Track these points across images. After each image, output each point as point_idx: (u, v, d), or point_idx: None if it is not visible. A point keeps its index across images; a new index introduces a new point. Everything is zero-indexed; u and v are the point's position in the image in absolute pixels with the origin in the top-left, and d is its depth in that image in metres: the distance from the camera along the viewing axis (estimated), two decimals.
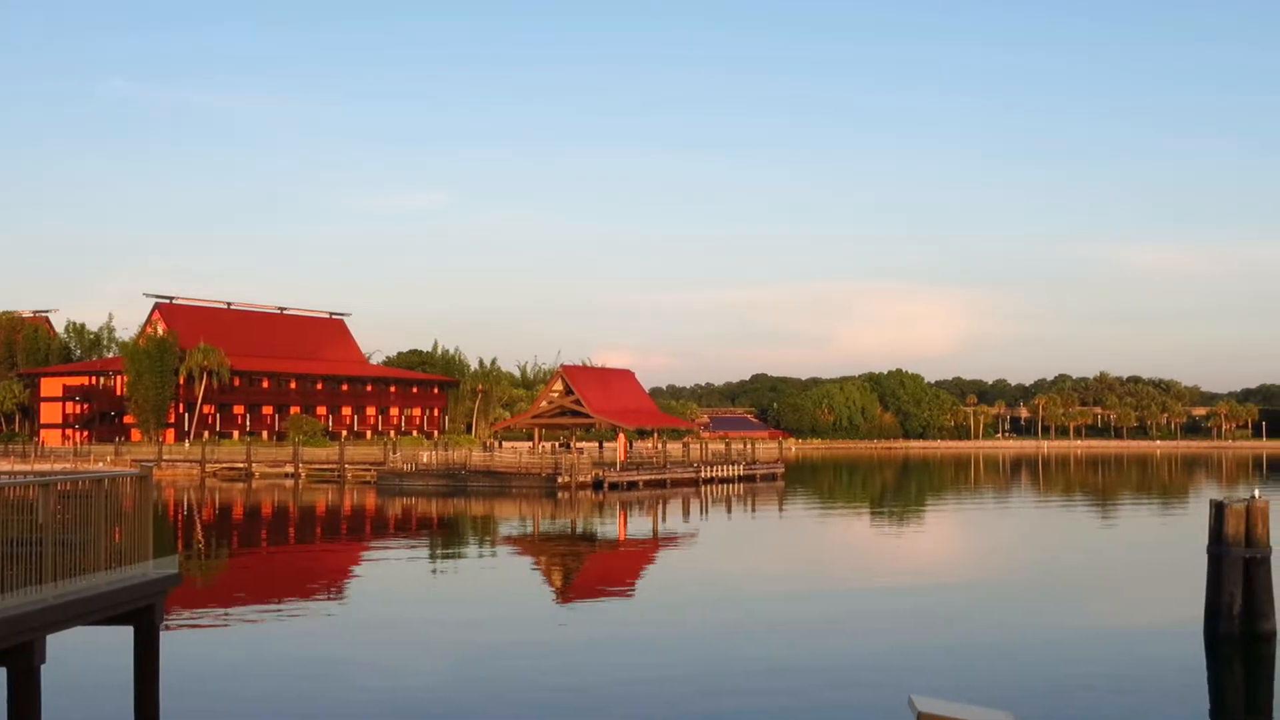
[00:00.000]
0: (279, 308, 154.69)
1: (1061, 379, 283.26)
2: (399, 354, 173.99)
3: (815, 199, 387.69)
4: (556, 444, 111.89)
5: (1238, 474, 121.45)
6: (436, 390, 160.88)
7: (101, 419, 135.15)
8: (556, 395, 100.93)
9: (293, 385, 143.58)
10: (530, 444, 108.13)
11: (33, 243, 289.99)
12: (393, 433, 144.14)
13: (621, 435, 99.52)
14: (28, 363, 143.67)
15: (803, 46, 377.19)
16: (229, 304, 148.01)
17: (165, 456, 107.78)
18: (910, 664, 23.72)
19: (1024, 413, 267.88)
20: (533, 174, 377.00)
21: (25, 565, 14.52)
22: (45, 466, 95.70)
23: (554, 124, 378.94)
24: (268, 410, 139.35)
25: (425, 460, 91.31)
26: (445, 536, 54.26)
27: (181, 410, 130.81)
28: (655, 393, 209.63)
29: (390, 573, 41.10)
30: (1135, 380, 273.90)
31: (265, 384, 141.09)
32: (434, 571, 41.80)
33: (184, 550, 46.07)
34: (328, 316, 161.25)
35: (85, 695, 20.17)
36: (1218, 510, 25.48)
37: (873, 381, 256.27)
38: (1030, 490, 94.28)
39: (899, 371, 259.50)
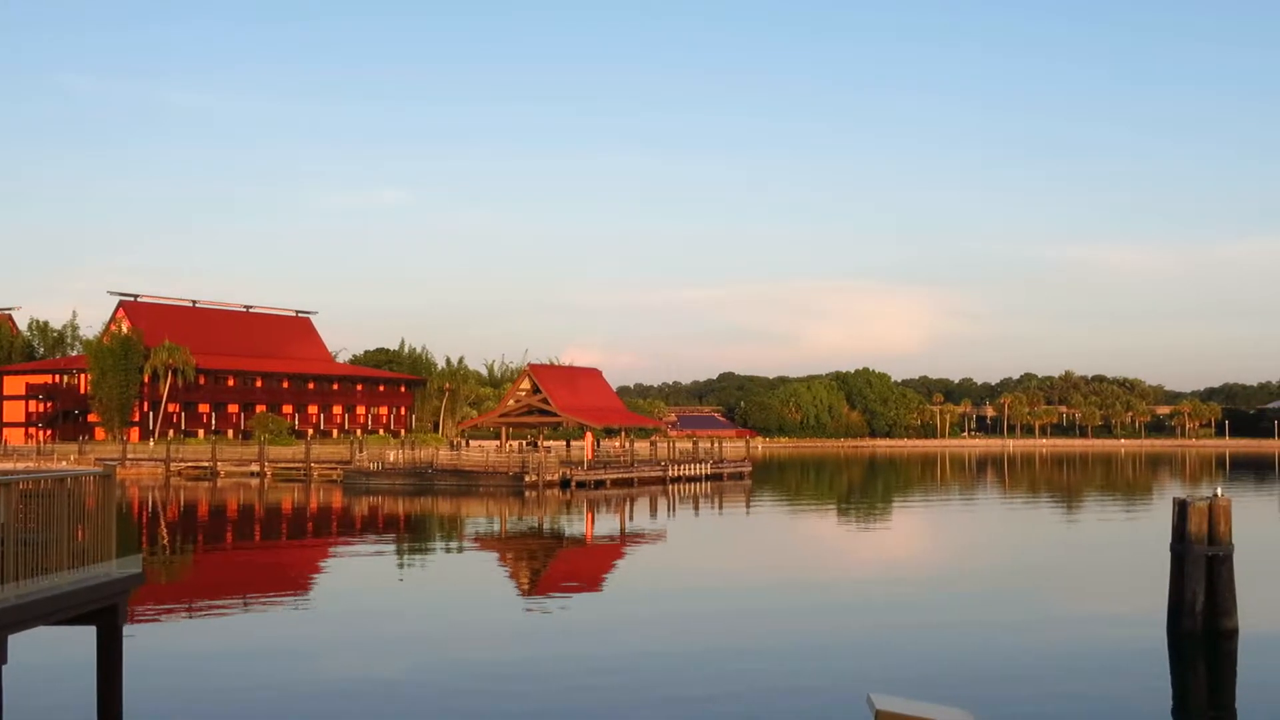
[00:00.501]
0: (245, 306, 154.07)
1: (1027, 378, 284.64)
2: (365, 352, 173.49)
3: (783, 198, 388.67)
4: (524, 443, 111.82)
5: (1201, 472, 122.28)
6: (403, 389, 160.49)
7: (65, 417, 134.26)
8: (524, 394, 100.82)
9: (258, 384, 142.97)
10: (497, 443, 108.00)
11: None
12: (359, 431, 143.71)
13: (589, 434, 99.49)
14: None
15: (773, 46, 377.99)
16: (194, 302, 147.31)
17: (130, 455, 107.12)
18: (872, 662, 23.81)
19: (990, 411, 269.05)
20: (500, 172, 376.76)
21: None
22: (8, 465, 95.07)
23: (522, 123, 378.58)
24: (233, 409, 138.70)
25: (392, 459, 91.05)
26: (412, 535, 54.12)
27: (146, 409, 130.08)
28: (623, 391, 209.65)
29: (356, 572, 40.96)
30: (1100, 379, 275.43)
31: (231, 382, 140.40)
32: (400, 570, 41.67)
33: (148, 550, 45.79)
34: (294, 315, 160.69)
35: (48, 696, 20.03)
36: (1181, 508, 25.65)
37: (840, 380, 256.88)
38: (995, 489, 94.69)
39: (866, 370, 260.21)
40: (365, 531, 55.55)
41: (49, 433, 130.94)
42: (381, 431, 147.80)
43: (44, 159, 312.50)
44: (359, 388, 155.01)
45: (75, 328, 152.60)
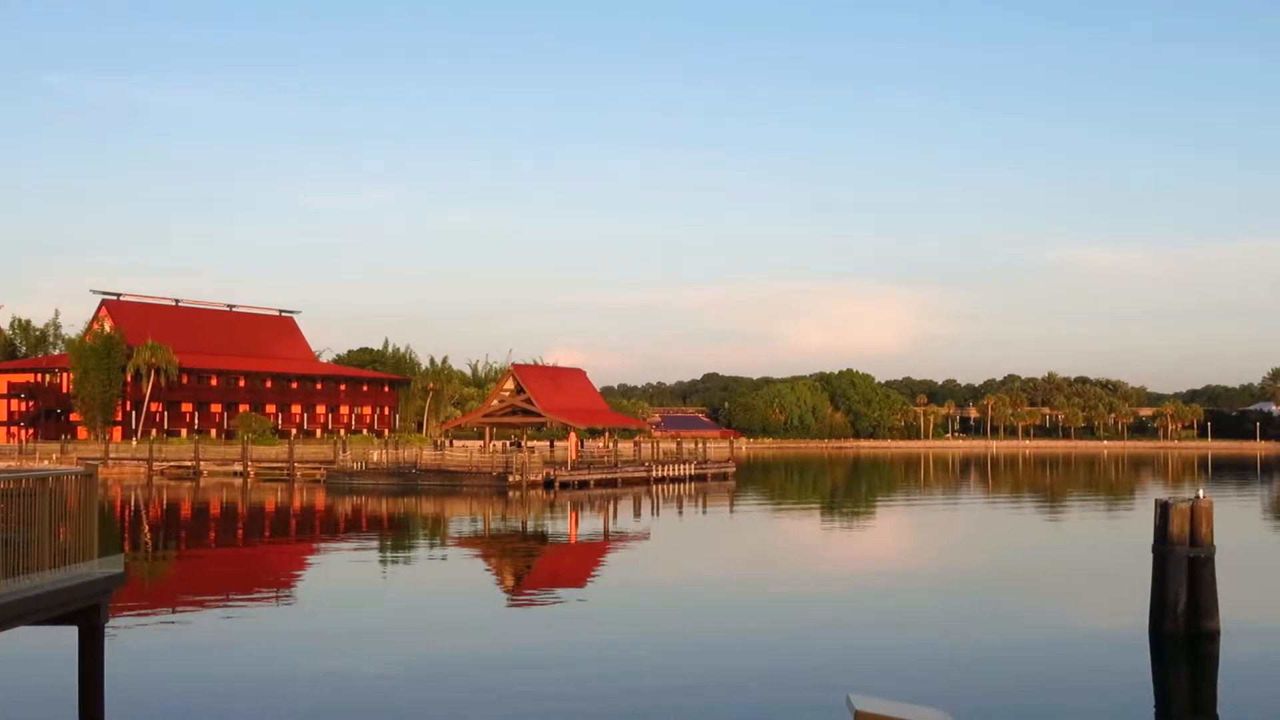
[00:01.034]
0: (228, 305, 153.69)
1: (1010, 379, 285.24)
2: (349, 352, 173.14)
3: (768, 199, 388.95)
4: (507, 443, 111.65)
5: (1184, 474, 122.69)
6: (387, 389, 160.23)
7: (47, 416, 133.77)
8: (508, 394, 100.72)
9: (242, 383, 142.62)
10: (481, 443, 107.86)
11: None
12: (343, 431, 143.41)
13: (573, 434, 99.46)
14: None
15: (757, 47, 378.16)
16: (177, 301, 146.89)
17: (112, 454, 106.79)
18: (853, 662, 23.86)
19: (973, 413, 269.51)
20: (485, 173, 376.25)
21: None
22: None
23: (507, 123, 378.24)
24: (216, 408, 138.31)
25: (375, 459, 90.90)
26: (395, 535, 54.03)
27: (129, 408, 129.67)
28: (607, 392, 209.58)
29: (340, 572, 40.89)
30: (1083, 381, 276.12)
31: (214, 382, 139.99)
32: (384, 571, 41.63)
33: (130, 549, 45.67)
34: (277, 314, 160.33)
35: (29, 696, 19.98)
36: (1163, 510, 25.74)
37: (823, 381, 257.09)
38: (979, 490, 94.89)
39: (850, 371, 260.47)
40: (348, 532, 55.46)
41: (31, 432, 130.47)
42: (365, 431, 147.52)
43: (27, 157, 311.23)
44: (342, 387, 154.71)
45: (57, 326, 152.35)
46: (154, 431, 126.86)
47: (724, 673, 22.59)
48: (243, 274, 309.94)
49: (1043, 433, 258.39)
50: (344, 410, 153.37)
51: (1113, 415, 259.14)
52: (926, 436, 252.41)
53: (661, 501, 74.71)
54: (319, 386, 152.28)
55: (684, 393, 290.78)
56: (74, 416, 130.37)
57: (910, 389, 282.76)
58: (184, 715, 19.55)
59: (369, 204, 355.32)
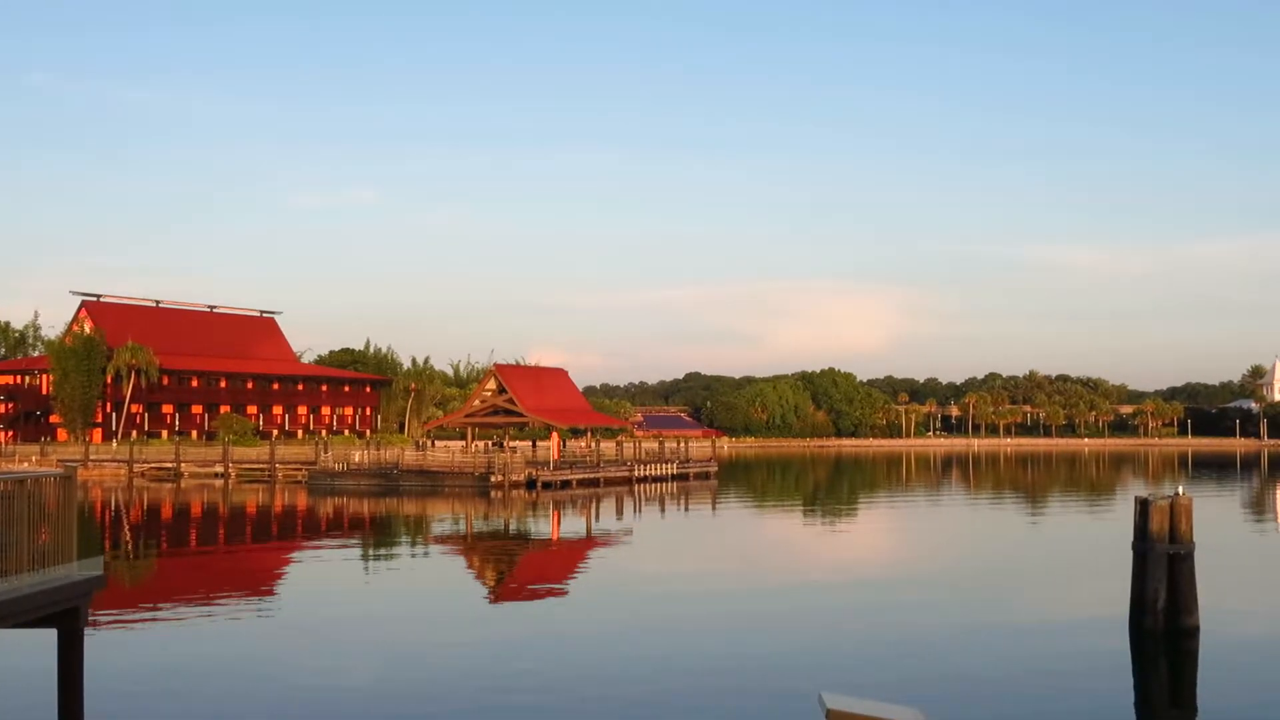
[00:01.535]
0: (209, 306, 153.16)
1: (992, 377, 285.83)
2: (331, 353, 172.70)
3: (749, 198, 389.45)
4: (490, 443, 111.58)
5: (1164, 471, 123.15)
6: (369, 389, 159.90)
7: (27, 418, 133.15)
8: (489, 394, 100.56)
9: (223, 384, 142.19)
10: (463, 443, 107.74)
11: None
12: (324, 432, 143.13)
13: (555, 434, 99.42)
14: None
15: (737, 46, 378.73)
16: (158, 302, 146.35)
17: (92, 456, 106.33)
18: (830, 661, 23.94)
19: (955, 411, 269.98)
20: (467, 173, 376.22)
21: None
22: None
23: (490, 123, 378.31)
24: (197, 409, 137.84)
25: (357, 459, 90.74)
26: (377, 536, 53.93)
27: (109, 409, 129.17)
28: (589, 391, 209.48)
29: (322, 573, 40.81)
30: (1064, 379, 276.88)
31: (194, 383, 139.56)
32: (366, 571, 41.56)
33: (110, 552, 45.53)
34: (258, 315, 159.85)
35: (8, 699, 19.91)
36: (1143, 507, 25.83)
37: (805, 380, 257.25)
38: (960, 488, 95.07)
39: (831, 370, 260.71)
40: (330, 533, 55.34)
41: (10, 434, 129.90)
42: (347, 432, 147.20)
43: (7, 158, 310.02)
44: (324, 388, 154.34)
45: (37, 328, 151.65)
46: (134, 433, 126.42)
47: (700, 672, 22.63)
48: (224, 275, 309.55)
49: (1024, 431, 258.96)
50: (325, 411, 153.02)
51: (1093, 413, 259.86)
52: (908, 435, 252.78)
53: (644, 501, 74.71)
54: (300, 387, 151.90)
55: (666, 392, 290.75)
56: (54, 418, 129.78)
57: (892, 388, 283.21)
58: (164, 718, 19.49)
59: (351, 204, 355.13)
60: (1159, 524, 25.47)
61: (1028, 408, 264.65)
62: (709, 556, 46.29)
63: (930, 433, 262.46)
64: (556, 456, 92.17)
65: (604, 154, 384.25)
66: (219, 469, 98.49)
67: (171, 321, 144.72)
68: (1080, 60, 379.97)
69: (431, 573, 40.83)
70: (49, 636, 16.97)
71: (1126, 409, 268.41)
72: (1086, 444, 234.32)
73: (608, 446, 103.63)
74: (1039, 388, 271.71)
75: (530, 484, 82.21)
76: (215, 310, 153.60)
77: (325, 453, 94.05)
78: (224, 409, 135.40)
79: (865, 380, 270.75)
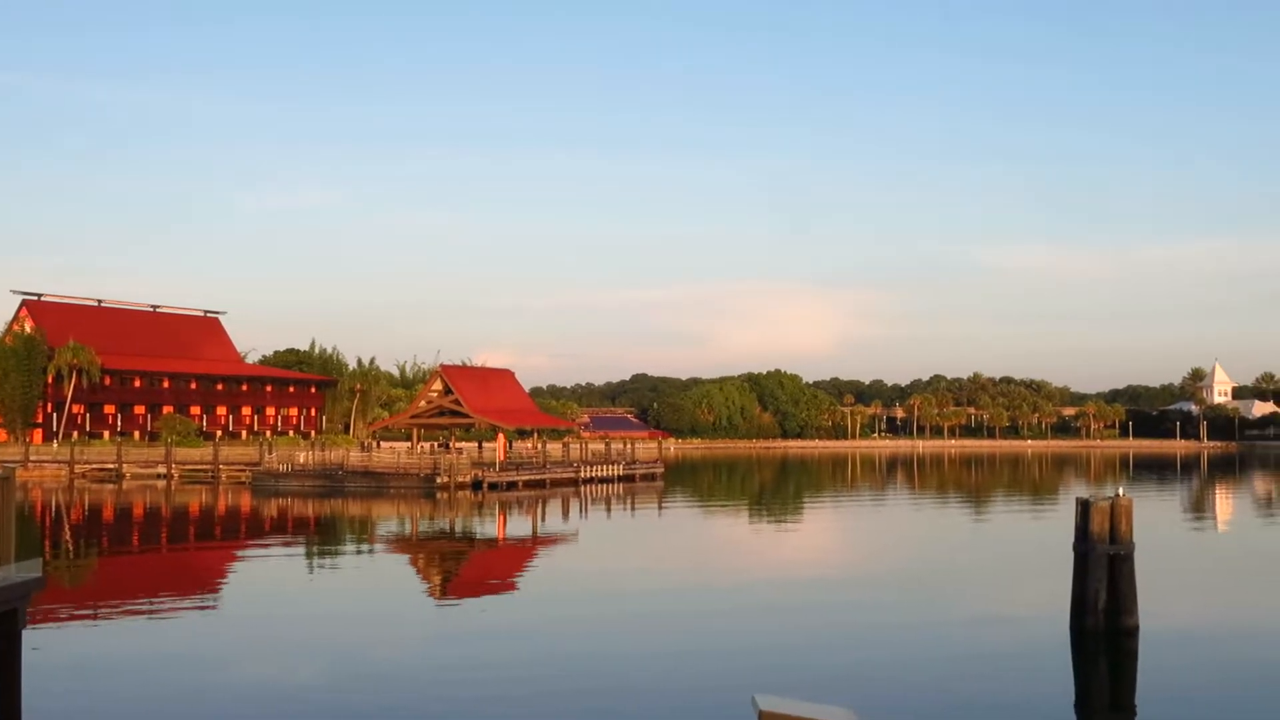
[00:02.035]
0: (152, 306, 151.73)
1: (936, 379, 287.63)
2: (275, 353, 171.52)
3: (696, 200, 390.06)
4: (435, 444, 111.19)
5: (1105, 473, 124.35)
6: (314, 390, 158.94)
7: None
8: (435, 395, 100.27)
9: (166, 384, 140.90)
10: (409, 444, 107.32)
11: None
12: (269, 433, 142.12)
13: (501, 435, 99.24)
14: None
15: (689, 46, 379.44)
16: (100, 301, 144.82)
17: (32, 457, 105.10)
18: (770, 662, 24.00)
19: (899, 413, 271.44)
20: (414, 174, 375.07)
21: None
22: None
23: (437, 125, 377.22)
24: (139, 410, 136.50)
25: (302, 460, 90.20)
26: (322, 537, 53.68)
27: (50, 410, 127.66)
28: (535, 392, 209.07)
29: (266, 574, 40.56)
30: (1008, 381, 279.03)
31: (137, 383, 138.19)
32: (310, 573, 41.36)
33: (51, 553, 45.05)
34: (202, 315, 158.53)
35: None
36: (1083, 508, 26.09)
37: (752, 382, 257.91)
38: (905, 489, 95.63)
39: (778, 372, 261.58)
40: (274, 534, 55.01)
41: None
42: (291, 433, 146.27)
43: None
44: (268, 389, 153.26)
45: None
46: (75, 434, 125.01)
47: (636, 673, 22.76)
48: (168, 274, 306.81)
49: (968, 432, 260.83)
50: (270, 412, 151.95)
51: (1036, 415, 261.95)
52: (853, 436, 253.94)
53: (590, 502, 74.69)
54: (245, 388, 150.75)
55: (612, 393, 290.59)
56: None
57: (838, 389, 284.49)
58: (104, 718, 19.34)
59: (297, 205, 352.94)
60: (1099, 525, 25.73)
61: (972, 409, 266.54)
62: (653, 557, 46.34)
63: (875, 434, 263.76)
64: (502, 458, 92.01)
65: (553, 155, 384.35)
66: (162, 470, 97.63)
67: (114, 321, 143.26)
68: (1032, 64, 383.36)
69: (376, 573, 40.65)
70: None
71: (1069, 411, 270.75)
72: (1029, 445, 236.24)
73: (554, 448, 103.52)
74: (983, 390, 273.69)
75: (476, 485, 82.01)
76: (159, 310, 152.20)
77: (269, 454, 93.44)
78: (167, 409, 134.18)
79: (811, 382, 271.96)
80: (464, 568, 42.81)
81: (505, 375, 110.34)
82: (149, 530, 58.53)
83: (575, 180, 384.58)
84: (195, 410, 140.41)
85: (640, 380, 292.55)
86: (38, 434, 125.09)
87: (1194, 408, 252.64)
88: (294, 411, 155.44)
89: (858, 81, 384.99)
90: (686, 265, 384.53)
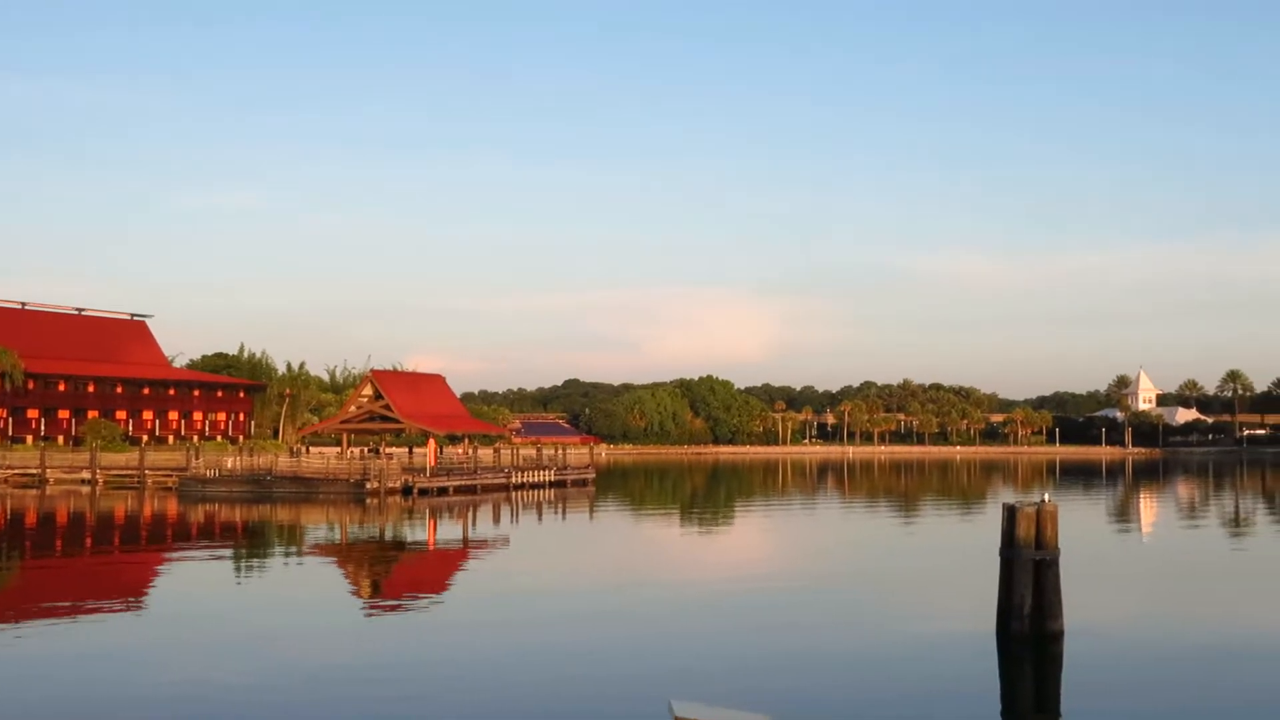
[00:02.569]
0: (77, 309, 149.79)
1: (867, 386, 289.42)
2: (203, 357, 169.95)
3: (630, 205, 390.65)
4: (366, 449, 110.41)
5: (1032, 478, 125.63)
6: (242, 394, 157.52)
7: None
8: (366, 400, 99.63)
9: (91, 388, 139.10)
10: (338, 449, 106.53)
11: None
12: (196, 438, 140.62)
13: (432, 440, 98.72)
14: None
15: (624, 51, 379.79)
16: (23, 304, 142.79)
17: None
18: (690, 667, 24.02)
19: (830, 419, 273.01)
20: (346, 177, 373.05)
21: None
22: None
23: (370, 128, 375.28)
24: (64, 414, 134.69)
25: (230, 466, 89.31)
26: (250, 543, 53.21)
27: None
28: (467, 398, 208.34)
29: (192, 580, 40.13)
30: (937, 387, 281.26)
31: (62, 387, 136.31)
32: (238, 579, 40.94)
33: None
34: (129, 318, 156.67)
35: None
36: (1010, 514, 26.34)
37: (684, 387, 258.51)
38: (835, 494, 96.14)
39: (710, 378, 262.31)
40: (201, 540, 54.42)
41: None
42: (219, 438, 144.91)
43: None
44: (196, 393, 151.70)
45: None
46: None
47: (557, 680, 22.74)
48: (93, 277, 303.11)
49: (898, 438, 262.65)
50: (198, 416, 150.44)
51: (965, 421, 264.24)
52: (785, 442, 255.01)
53: (521, 508, 74.51)
54: (172, 392, 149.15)
55: (545, 399, 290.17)
56: None
57: (769, 395, 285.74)
58: None
59: (227, 206, 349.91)
60: (1025, 531, 25.99)
61: (902, 415, 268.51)
62: (583, 563, 46.31)
63: (806, 440, 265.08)
64: (433, 463, 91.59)
65: (486, 158, 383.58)
66: (86, 475, 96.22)
67: (38, 324, 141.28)
68: (962, 69, 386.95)
69: (304, 580, 40.34)
70: None
71: (997, 417, 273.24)
72: (958, 451, 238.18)
73: (485, 453, 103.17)
74: (913, 396, 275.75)
75: (406, 491, 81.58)
76: (83, 313, 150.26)
77: (197, 459, 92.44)
78: (92, 414, 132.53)
79: (743, 388, 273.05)
80: (393, 573, 42.59)
81: (436, 380, 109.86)
82: (73, 536, 57.72)
83: (508, 185, 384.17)
84: (121, 415, 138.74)
85: (572, 386, 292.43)
86: None
87: (1119, 414, 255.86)
88: (222, 416, 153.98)
89: (792, 89, 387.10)
90: (621, 271, 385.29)
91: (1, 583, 39.67)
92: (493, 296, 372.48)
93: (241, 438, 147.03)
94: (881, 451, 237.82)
